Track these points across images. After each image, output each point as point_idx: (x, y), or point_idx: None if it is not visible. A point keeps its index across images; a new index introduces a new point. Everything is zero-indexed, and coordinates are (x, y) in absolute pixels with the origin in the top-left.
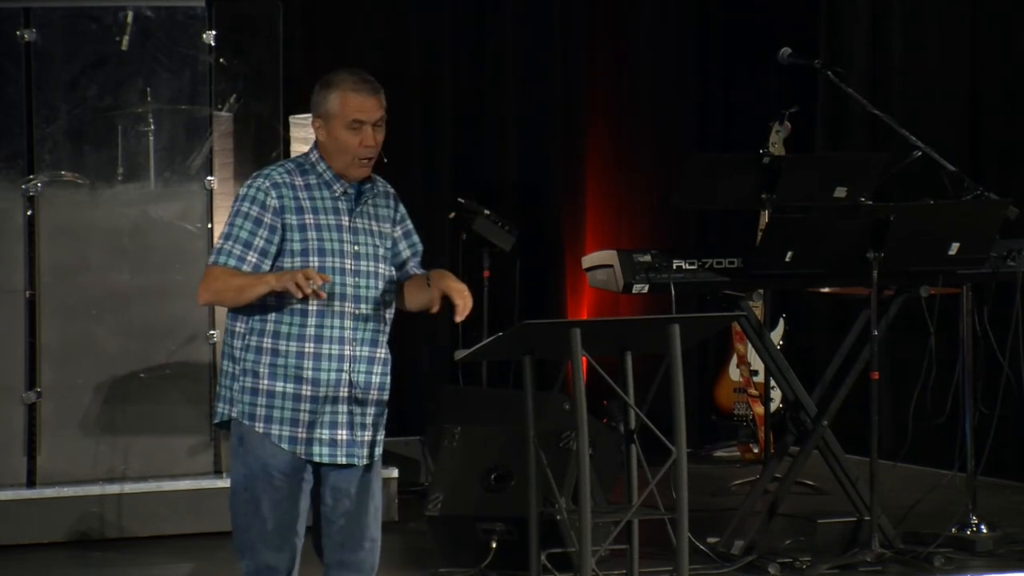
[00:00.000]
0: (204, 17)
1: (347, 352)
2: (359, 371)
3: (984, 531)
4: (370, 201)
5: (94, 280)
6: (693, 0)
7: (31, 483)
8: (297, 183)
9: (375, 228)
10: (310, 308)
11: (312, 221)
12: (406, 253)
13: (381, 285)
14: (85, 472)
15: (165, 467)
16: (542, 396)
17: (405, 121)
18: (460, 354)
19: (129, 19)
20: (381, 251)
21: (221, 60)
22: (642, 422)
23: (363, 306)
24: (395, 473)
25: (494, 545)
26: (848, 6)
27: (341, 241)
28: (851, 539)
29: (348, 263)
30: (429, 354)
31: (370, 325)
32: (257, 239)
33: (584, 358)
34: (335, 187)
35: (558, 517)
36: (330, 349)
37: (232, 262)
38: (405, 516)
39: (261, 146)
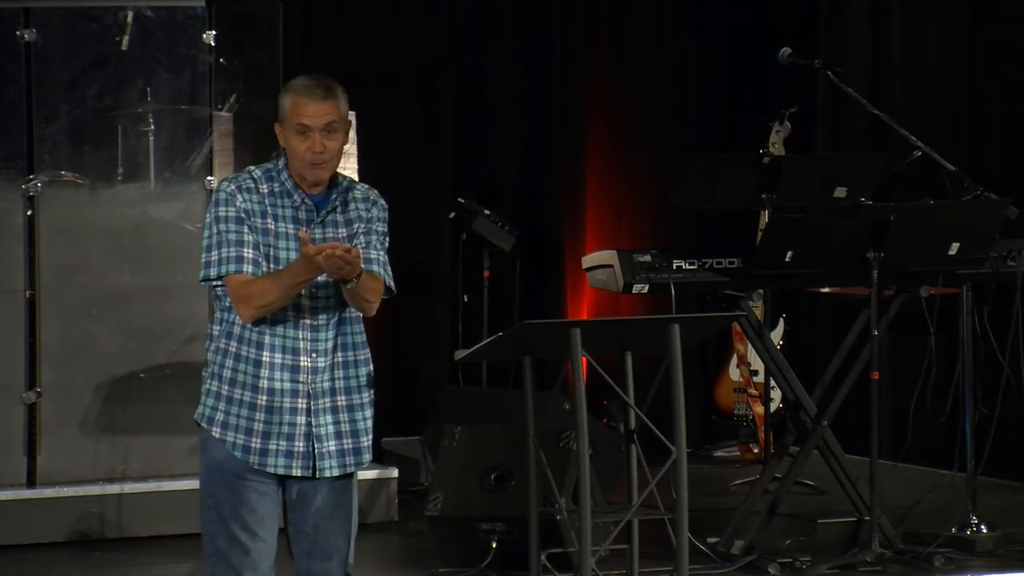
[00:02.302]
0: (204, 17)
1: (303, 363)
2: (318, 382)
3: (984, 531)
4: (338, 209)
5: (94, 280)
6: (693, 0)
7: (31, 483)
8: (263, 189)
9: (338, 236)
10: (267, 316)
11: (272, 227)
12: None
13: (340, 295)
14: (85, 472)
15: (165, 467)
16: (542, 396)
17: (405, 121)
18: (460, 354)
19: (129, 19)
20: None
21: (221, 60)
22: (642, 422)
23: (320, 317)
24: (395, 473)
25: (494, 545)
26: (848, 6)
27: (297, 251)
28: (851, 539)
29: None
30: (429, 354)
31: (328, 334)
32: (246, 235)
33: (584, 358)
34: (295, 197)
35: (558, 517)
36: (283, 359)
37: (231, 267)
38: (405, 516)
39: (261, 146)
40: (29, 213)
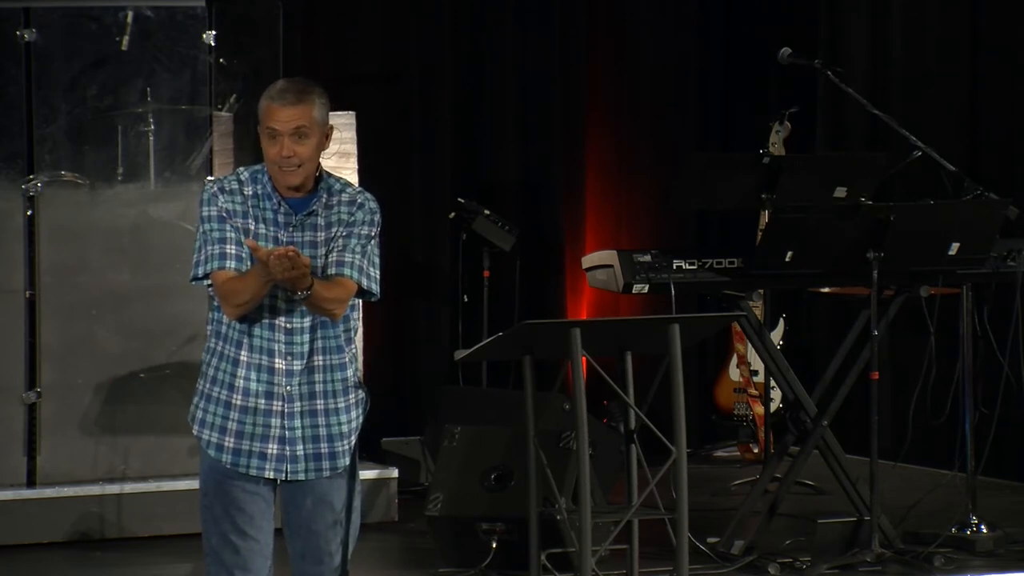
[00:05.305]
0: (204, 17)
1: (277, 365)
2: (293, 385)
3: (984, 531)
4: (319, 212)
5: (94, 280)
6: (693, 0)
7: (31, 483)
8: (246, 192)
9: (316, 239)
10: (249, 315)
11: (253, 228)
12: (331, 257)
13: None
14: (85, 472)
15: (165, 467)
16: (542, 396)
17: (405, 121)
18: (460, 354)
19: (129, 19)
20: (320, 263)
21: (221, 60)
22: (642, 422)
23: (295, 321)
24: (395, 473)
25: (494, 545)
26: (848, 6)
27: None
28: (851, 539)
29: None
30: (429, 354)
31: (304, 338)
32: (228, 232)
33: (584, 358)
34: (273, 199)
35: (558, 517)
36: (260, 359)
37: (215, 264)
38: (405, 516)
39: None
40: (29, 213)
